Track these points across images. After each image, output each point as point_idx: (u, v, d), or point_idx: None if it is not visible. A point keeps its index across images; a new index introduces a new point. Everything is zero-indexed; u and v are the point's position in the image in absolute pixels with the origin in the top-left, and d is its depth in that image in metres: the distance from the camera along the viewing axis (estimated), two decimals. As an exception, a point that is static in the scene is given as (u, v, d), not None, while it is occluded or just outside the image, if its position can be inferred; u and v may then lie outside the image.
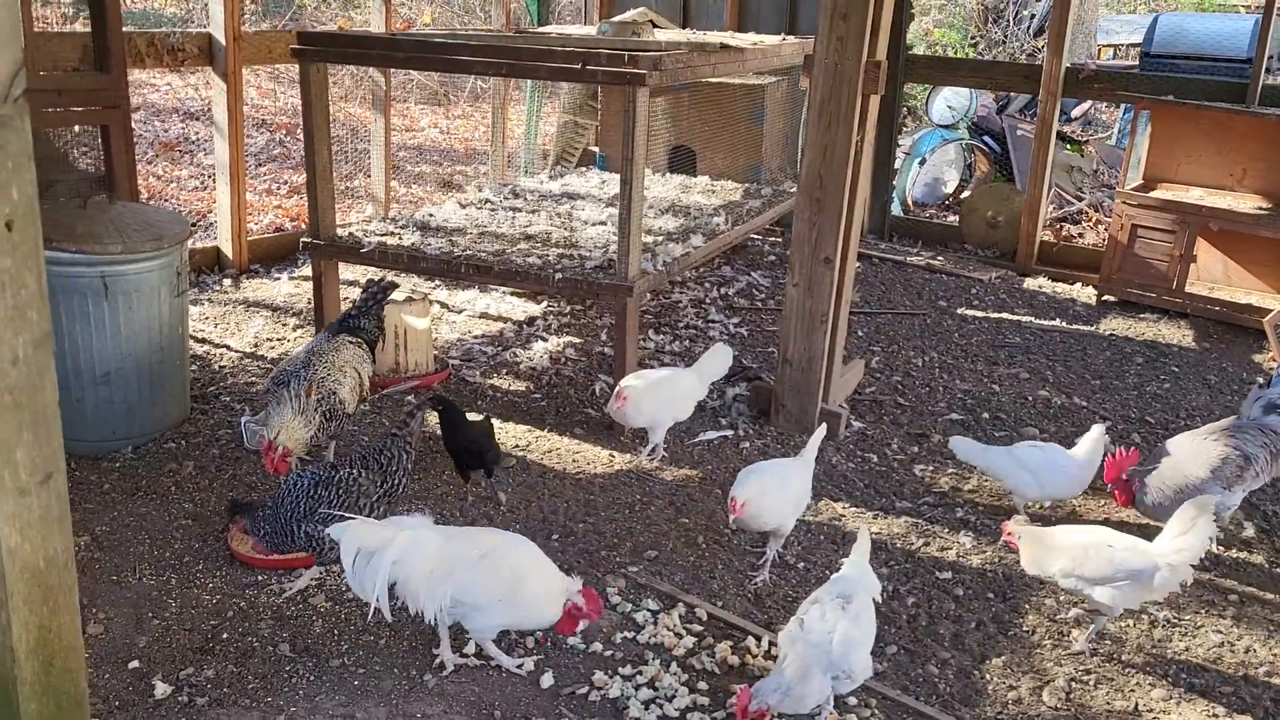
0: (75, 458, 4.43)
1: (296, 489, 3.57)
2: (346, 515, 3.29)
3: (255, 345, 5.74)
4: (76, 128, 5.53)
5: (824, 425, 4.23)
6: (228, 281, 6.77)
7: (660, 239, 5.67)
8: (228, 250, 6.97)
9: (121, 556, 3.75)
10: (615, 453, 4.73)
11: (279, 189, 9.27)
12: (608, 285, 4.81)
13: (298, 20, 14.41)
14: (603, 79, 4.56)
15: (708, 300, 6.89)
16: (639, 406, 4.52)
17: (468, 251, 5.18)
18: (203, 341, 5.76)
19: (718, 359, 4.90)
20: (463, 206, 6.23)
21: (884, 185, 8.53)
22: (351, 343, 4.48)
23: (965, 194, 9.68)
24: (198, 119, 10.82)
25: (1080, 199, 9.57)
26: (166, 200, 8.38)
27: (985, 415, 5.35)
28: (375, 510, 3.64)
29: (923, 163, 9.68)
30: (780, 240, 8.11)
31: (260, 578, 3.67)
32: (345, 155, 10.39)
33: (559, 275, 4.88)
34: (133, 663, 3.21)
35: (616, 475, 4.53)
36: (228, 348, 5.70)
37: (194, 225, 7.86)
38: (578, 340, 6.07)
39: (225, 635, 3.36)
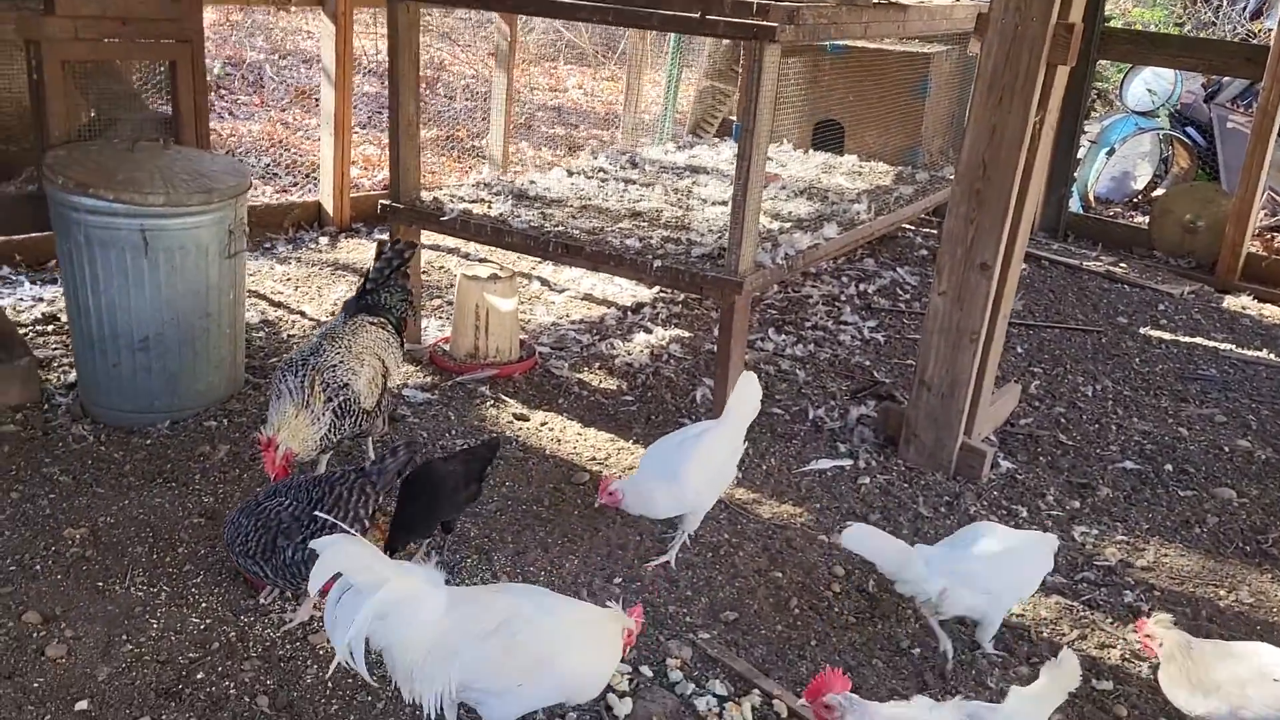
0: (108, 428, 3.99)
1: (231, 514, 3.08)
2: (341, 525, 2.66)
3: (333, 313, 5.24)
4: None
5: None
6: (324, 240, 6.32)
7: (788, 226, 4.87)
8: (329, 206, 6.52)
9: (115, 557, 3.25)
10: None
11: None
12: (714, 279, 4.06)
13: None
14: (724, 30, 3.80)
15: (843, 297, 6.04)
16: (651, 501, 3.34)
17: (559, 227, 4.51)
18: (279, 305, 5.29)
19: (746, 394, 3.58)
20: (570, 175, 5.56)
21: (1063, 177, 7.45)
22: (372, 324, 3.77)
23: (1158, 192, 8.46)
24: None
25: (1298, 206, 8.22)
26: (288, 149, 8.02)
27: (1168, 467, 4.37)
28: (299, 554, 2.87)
29: (1111, 153, 8.49)
30: (936, 232, 7.16)
31: (262, 602, 3.12)
32: (481, 112, 9.95)
33: (657, 263, 4.16)
34: (81, 703, 2.68)
35: (704, 506, 3.79)
36: (302, 314, 5.21)
37: (307, 177, 7.49)
38: (686, 334, 5.34)
39: (200, 675, 2.80)
